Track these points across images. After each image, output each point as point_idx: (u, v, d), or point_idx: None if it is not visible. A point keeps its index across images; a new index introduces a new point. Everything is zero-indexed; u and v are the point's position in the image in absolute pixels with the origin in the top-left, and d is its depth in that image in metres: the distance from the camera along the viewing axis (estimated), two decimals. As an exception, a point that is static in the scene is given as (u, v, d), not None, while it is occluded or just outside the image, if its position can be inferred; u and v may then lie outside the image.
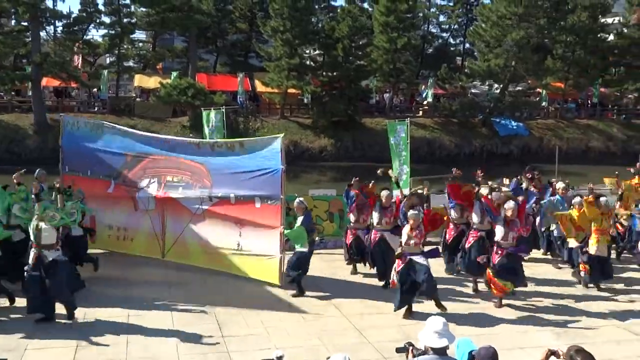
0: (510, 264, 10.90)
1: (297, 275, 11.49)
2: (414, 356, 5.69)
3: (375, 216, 12.23)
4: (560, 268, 13.62)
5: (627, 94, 53.47)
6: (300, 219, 11.73)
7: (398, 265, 10.62)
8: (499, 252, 10.88)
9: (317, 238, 13.48)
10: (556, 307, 11.13)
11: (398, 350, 6.14)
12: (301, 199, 12.39)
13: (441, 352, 5.57)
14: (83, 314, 10.14)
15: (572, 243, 12.63)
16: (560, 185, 14.10)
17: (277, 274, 11.66)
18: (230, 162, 12.13)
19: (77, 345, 9.00)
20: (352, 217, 12.92)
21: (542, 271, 13.44)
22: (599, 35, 49.74)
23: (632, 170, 15.47)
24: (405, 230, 10.66)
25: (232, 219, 12.18)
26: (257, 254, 11.93)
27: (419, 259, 10.46)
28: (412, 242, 10.54)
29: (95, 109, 46.07)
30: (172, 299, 11.18)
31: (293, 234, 11.68)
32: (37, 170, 13.13)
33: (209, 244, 12.49)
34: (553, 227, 13.89)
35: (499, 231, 10.92)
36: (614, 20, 50.98)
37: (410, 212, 10.64)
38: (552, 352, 5.96)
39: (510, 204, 10.94)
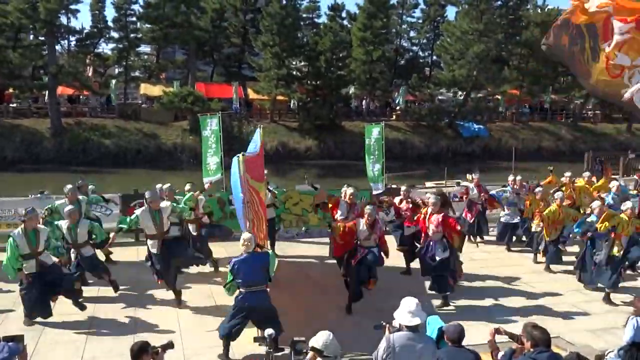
0: None
1: None
2: (390, 333, 5.67)
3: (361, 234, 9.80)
4: (511, 251, 13.72)
5: (574, 99, 54.09)
6: None
7: (354, 261, 9.72)
8: None
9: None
10: (513, 287, 11.18)
11: (376, 327, 6.10)
12: None
13: (414, 329, 5.57)
14: (96, 291, 10.06)
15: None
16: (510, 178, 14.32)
17: None
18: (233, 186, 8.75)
19: (89, 324, 8.95)
20: None
21: (498, 256, 13.52)
22: (549, 49, 50.07)
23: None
24: (361, 224, 9.68)
25: None
26: None
27: (371, 256, 9.67)
28: (372, 237, 9.69)
29: (106, 114, 45.74)
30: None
31: None
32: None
33: None
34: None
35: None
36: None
37: (367, 207, 9.84)
38: (496, 330, 6.01)
39: None
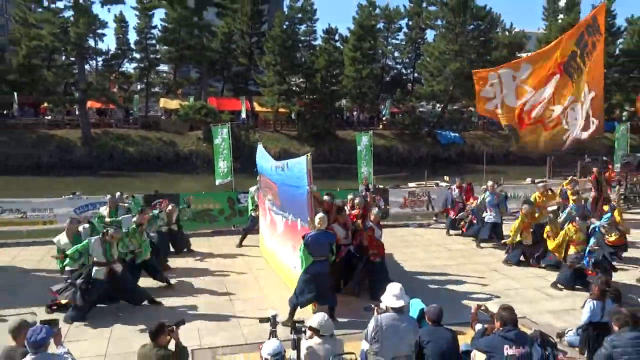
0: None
1: None
2: (378, 314, 5.70)
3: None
4: (481, 247, 13.44)
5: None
6: None
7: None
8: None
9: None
10: (485, 275, 11.19)
11: (366, 309, 6.17)
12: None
13: (399, 310, 5.59)
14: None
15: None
16: (489, 183, 14.06)
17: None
18: (283, 182, 9.54)
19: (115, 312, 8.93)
20: None
21: (472, 247, 13.53)
22: (516, 67, 50.23)
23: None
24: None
25: (290, 241, 9.52)
26: None
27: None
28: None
29: (129, 125, 45.73)
30: (192, 275, 11.11)
31: None
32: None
33: (283, 263, 10.16)
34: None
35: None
36: (527, 55, 51.48)
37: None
38: (479, 307, 6.15)
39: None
